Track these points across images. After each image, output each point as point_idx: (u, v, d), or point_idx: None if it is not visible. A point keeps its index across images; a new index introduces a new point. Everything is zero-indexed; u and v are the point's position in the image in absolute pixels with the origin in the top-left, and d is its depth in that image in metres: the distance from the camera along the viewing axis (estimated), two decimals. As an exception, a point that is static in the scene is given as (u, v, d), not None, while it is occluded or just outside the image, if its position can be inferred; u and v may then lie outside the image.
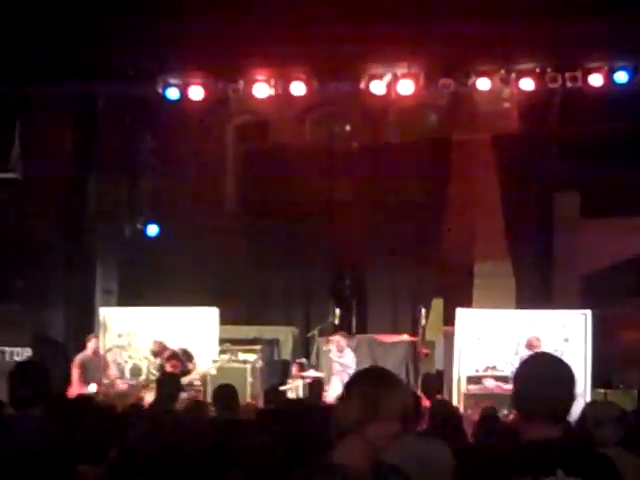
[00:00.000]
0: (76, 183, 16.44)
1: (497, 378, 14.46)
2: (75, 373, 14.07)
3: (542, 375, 3.55)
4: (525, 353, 13.19)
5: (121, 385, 14.63)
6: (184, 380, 12.78)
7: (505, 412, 11.89)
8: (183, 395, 11.15)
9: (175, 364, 13.36)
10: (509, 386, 12.61)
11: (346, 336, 15.33)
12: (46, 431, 4.88)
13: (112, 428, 5.01)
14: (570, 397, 3.55)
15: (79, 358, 14.25)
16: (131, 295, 16.60)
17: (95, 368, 14.41)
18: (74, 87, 15.43)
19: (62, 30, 14.31)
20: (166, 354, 13.96)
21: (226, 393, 8.00)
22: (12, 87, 14.79)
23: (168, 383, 7.96)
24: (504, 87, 15.28)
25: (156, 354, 14.32)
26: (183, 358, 14.00)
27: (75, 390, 13.43)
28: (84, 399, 7.77)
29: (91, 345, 14.43)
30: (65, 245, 16.20)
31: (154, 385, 10.55)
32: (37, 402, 4.89)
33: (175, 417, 7.38)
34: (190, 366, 14.07)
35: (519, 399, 3.62)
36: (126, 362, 15.50)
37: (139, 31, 14.35)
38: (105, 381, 14.60)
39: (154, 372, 14.70)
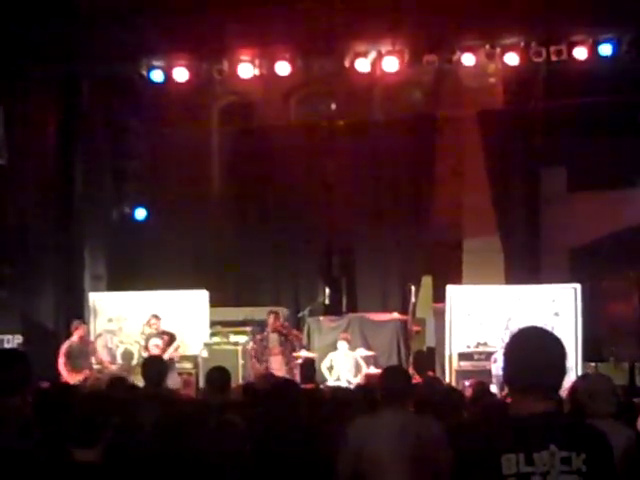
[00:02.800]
0: (62, 168, 16.37)
1: (488, 354, 14.48)
2: (61, 361, 13.98)
3: (533, 349, 3.53)
4: (515, 328, 13.20)
5: (112, 368, 14.61)
6: (165, 356, 12.75)
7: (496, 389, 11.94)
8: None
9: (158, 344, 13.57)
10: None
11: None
12: (29, 419, 4.81)
13: (102, 411, 4.95)
14: (562, 371, 3.53)
15: (65, 346, 14.15)
16: (120, 279, 16.54)
17: (82, 355, 14.33)
18: (58, 70, 15.36)
19: (44, 12, 14.22)
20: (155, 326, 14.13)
21: (219, 376, 7.96)
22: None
23: (153, 365, 7.90)
24: (489, 62, 15.25)
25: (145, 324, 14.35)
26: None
27: (63, 378, 13.37)
28: (65, 387, 7.69)
29: (78, 332, 14.35)
30: (52, 230, 16.12)
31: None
32: (17, 390, 4.79)
33: (164, 399, 7.35)
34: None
35: (510, 374, 3.60)
36: (117, 347, 15.44)
37: (122, 13, 14.27)
38: (96, 366, 14.57)
39: (145, 356, 14.68)
